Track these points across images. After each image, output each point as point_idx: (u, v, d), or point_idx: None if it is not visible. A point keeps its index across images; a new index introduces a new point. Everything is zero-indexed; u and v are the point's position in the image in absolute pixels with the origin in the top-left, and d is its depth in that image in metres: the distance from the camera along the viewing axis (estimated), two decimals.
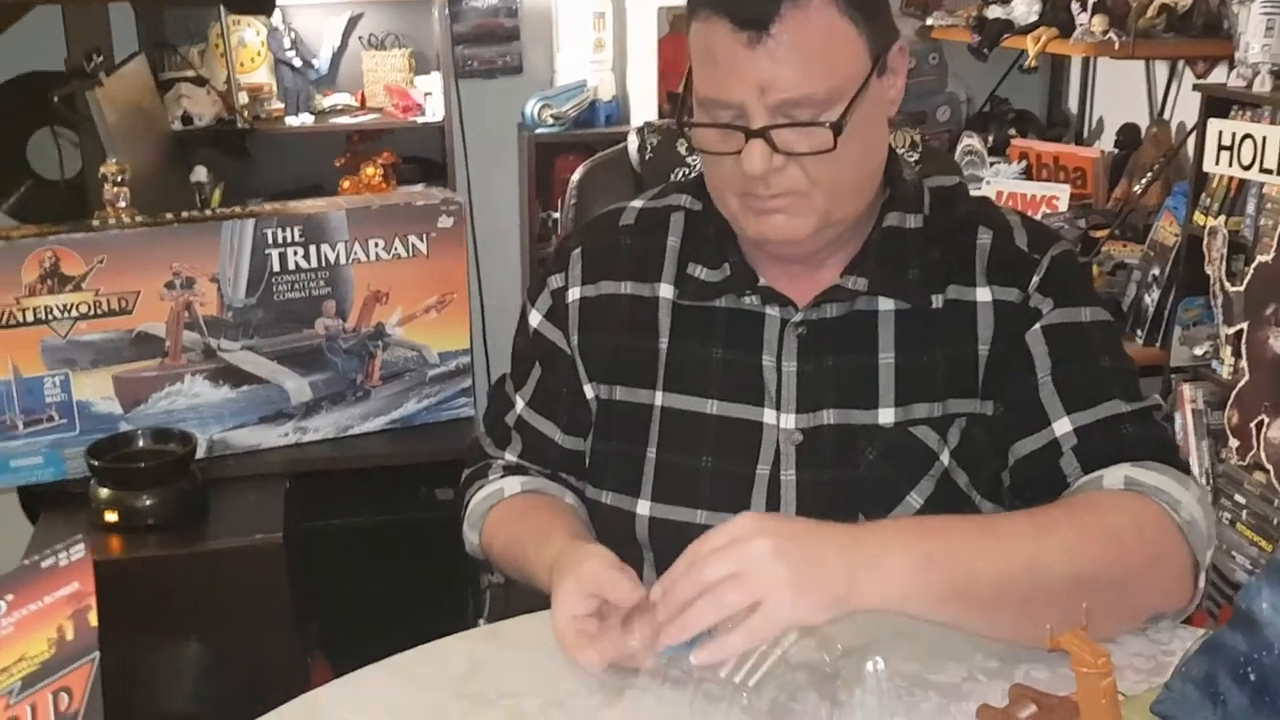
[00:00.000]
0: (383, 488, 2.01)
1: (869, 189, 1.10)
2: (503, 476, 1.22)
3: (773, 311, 1.12)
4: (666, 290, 1.16)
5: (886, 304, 1.11)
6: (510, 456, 1.24)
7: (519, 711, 0.95)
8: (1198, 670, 0.77)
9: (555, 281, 1.21)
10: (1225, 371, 2.28)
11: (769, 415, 1.11)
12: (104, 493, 1.65)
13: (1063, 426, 1.06)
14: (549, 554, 1.03)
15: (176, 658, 1.59)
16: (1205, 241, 2.30)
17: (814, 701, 0.90)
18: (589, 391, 1.18)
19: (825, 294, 1.11)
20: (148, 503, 1.64)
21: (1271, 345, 2.10)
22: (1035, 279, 1.10)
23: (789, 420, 1.11)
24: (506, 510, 1.19)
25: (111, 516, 1.64)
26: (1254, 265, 2.15)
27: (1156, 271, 2.53)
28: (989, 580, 0.91)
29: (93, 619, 0.61)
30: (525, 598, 1.57)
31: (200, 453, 1.76)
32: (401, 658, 1.03)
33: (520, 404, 1.23)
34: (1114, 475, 1.01)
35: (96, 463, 1.64)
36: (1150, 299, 2.54)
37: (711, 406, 1.13)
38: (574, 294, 1.19)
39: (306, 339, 1.82)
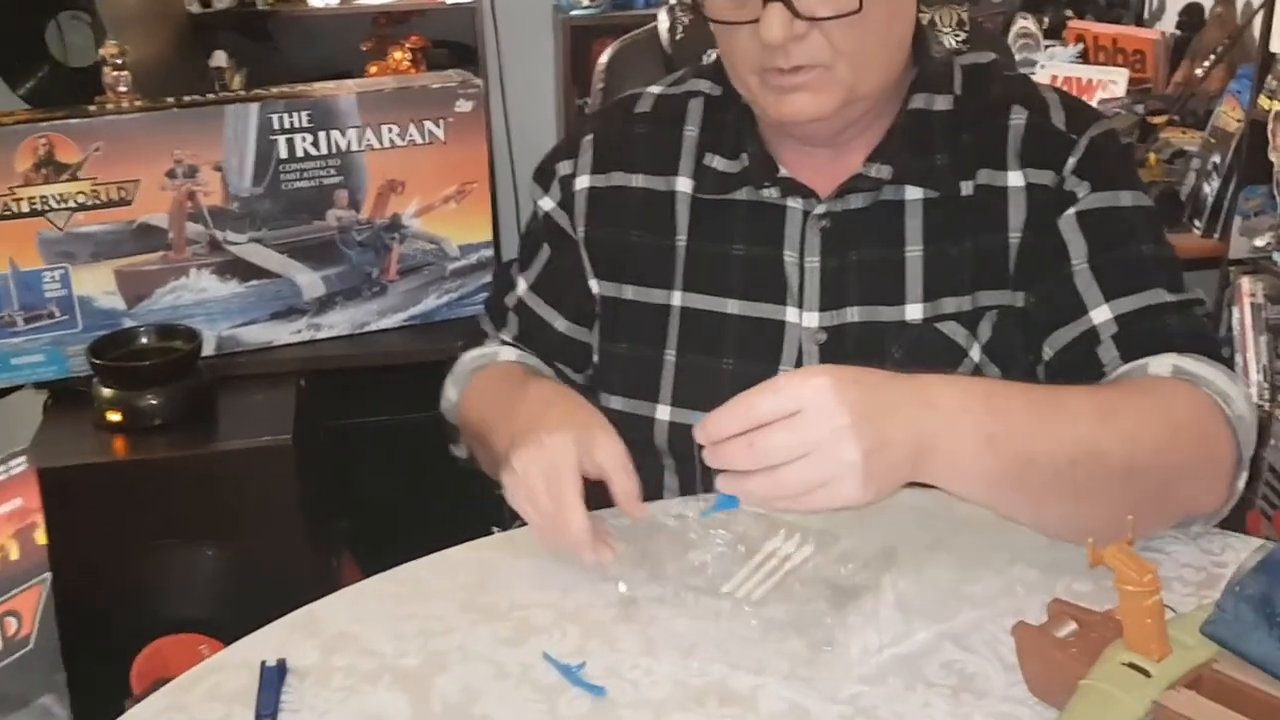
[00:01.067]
0: (403, 386, 1.96)
1: (896, 60, 1.03)
2: (500, 345, 1.20)
3: (794, 204, 1.06)
4: (684, 184, 1.10)
5: (914, 193, 1.05)
6: (506, 337, 1.21)
7: (529, 624, 0.90)
8: (1254, 589, 0.71)
9: (564, 168, 1.16)
10: None
11: (791, 314, 1.06)
12: (107, 392, 1.61)
13: (1101, 314, 1.00)
14: (527, 411, 1.02)
15: (187, 563, 1.57)
16: (1270, 127, 2.18)
17: (827, 616, 0.85)
18: (594, 287, 1.14)
19: (848, 184, 1.05)
20: (153, 402, 1.60)
21: None
22: (1071, 160, 1.03)
23: (812, 319, 1.06)
24: (497, 372, 1.16)
25: (115, 416, 1.60)
26: None
27: (1217, 159, 2.42)
28: (1048, 466, 0.85)
29: (40, 537, 0.56)
30: None
31: (208, 350, 1.72)
32: (408, 568, 0.99)
33: (522, 285, 1.20)
34: (1161, 363, 0.95)
35: (99, 361, 1.60)
36: (1210, 188, 2.42)
37: (732, 306, 1.07)
38: (582, 182, 1.14)
39: (318, 231, 1.76)
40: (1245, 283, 2.29)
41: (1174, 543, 0.98)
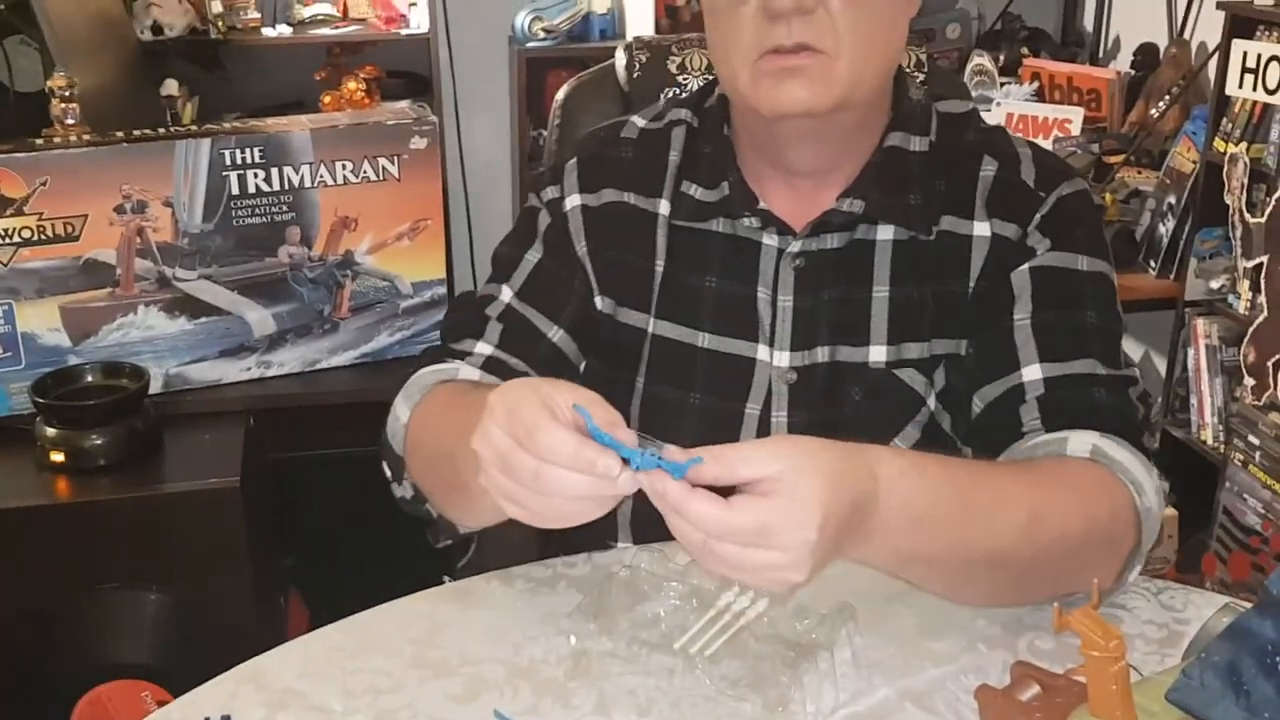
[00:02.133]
0: (354, 423, 1.94)
1: (889, 66, 1.04)
2: (460, 363, 1.07)
3: (769, 241, 1.07)
4: (664, 207, 1.10)
5: (885, 233, 1.06)
6: (484, 347, 1.08)
7: (480, 680, 0.89)
8: (1220, 656, 0.72)
9: (549, 193, 1.13)
10: (1242, 307, 2.22)
11: (762, 352, 1.07)
12: (50, 431, 1.59)
13: (1032, 373, 1.01)
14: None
15: (129, 607, 1.54)
16: (1225, 169, 2.22)
17: (783, 674, 0.84)
18: (599, 304, 1.11)
19: (822, 219, 1.05)
20: (97, 442, 1.58)
21: None
22: (1037, 217, 1.05)
23: (783, 358, 1.07)
24: (458, 390, 1.02)
25: (58, 457, 1.58)
26: (1276, 196, 2.07)
27: (1172, 200, 2.46)
28: (961, 557, 0.87)
29: None
30: (514, 538, 1.53)
31: (155, 388, 1.70)
32: (358, 619, 0.97)
33: (507, 293, 1.11)
34: (1081, 441, 0.96)
35: (42, 399, 1.58)
36: (1165, 229, 2.46)
37: (703, 340, 1.08)
38: (573, 201, 1.12)
39: (269, 268, 1.74)
40: (1200, 324, 2.33)
41: (1136, 598, 0.98)
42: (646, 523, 1.13)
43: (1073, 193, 1.06)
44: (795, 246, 1.06)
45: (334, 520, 2.05)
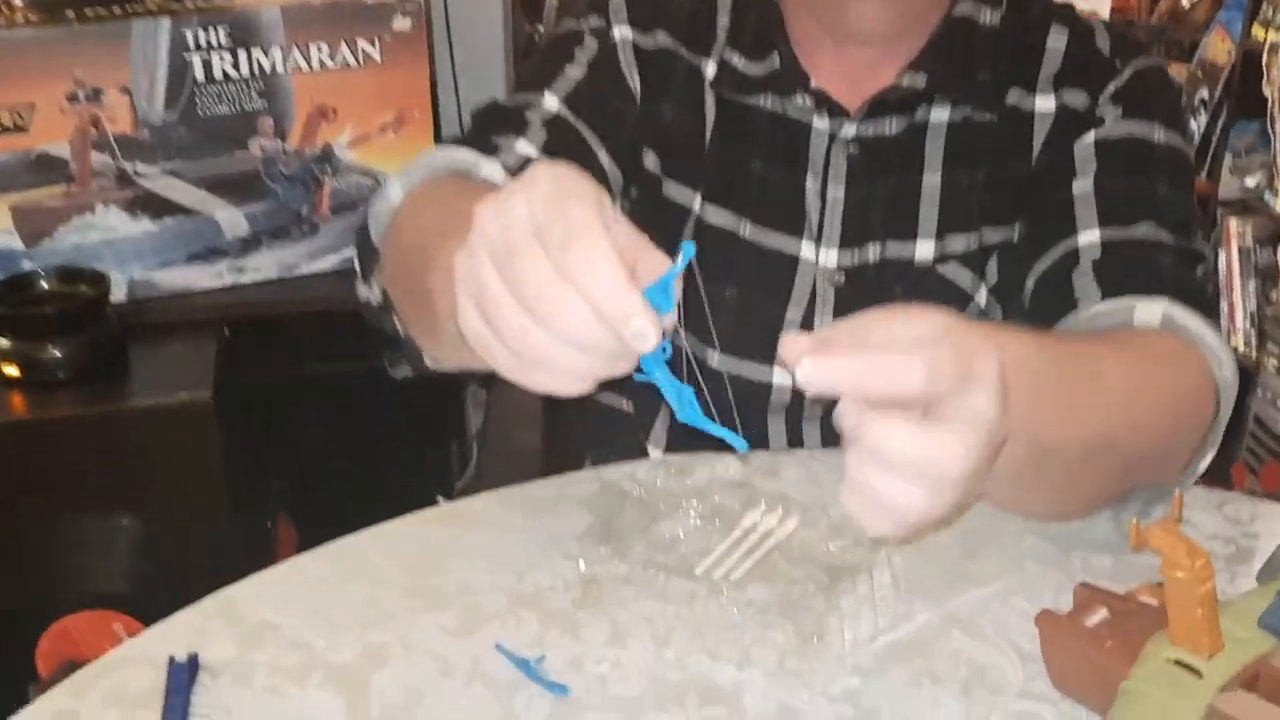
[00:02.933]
0: (338, 335, 1.85)
1: None
2: (486, 159, 0.89)
3: (820, 124, 0.98)
4: (710, 69, 1.00)
5: (941, 114, 0.98)
6: (525, 147, 0.92)
7: (479, 611, 0.82)
8: None
9: (592, 21, 1.01)
10: (1279, 205, 2.13)
11: (807, 249, 0.98)
12: (3, 342, 1.50)
13: (1088, 238, 0.92)
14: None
15: (97, 533, 1.46)
16: (1264, 58, 2.12)
17: (812, 598, 0.77)
18: (647, 161, 1.01)
19: (879, 97, 0.96)
20: (55, 354, 1.49)
21: None
22: (1111, 87, 0.97)
23: (830, 257, 0.99)
24: (474, 188, 0.85)
25: (12, 370, 1.49)
26: None
27: (1205, 94, 2.36)
28: (1064, 458, 0.75)
29: None
30: (516, 452, 1.43)
31: (118, 296, 1.60)
32: (341, 545, 0.89)
33: (552, 100, 0.96)
34: (1149, 309, 0.85)
35: None
36: (1197, 125, 2.37)
37: (745, 229, 0.99)
38: (623, 33, 1.01)
39: (240, 163, 1.64)
40: (1234, 224, 2.25)
41: (1196, 511, 0.91)
42: (682, 444, 1.05)
43: (1151, 66, 0.98)
44: (850, 131, 0.97)
45: (325, 441, 1.97)
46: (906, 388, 0.56)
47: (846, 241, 0.99)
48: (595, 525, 0.84)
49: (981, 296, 0.99)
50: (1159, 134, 0.96)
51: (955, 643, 0.78)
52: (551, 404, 1.33)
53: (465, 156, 0.89)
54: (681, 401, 0.59)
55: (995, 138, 0.98)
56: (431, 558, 0.87)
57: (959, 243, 0.99)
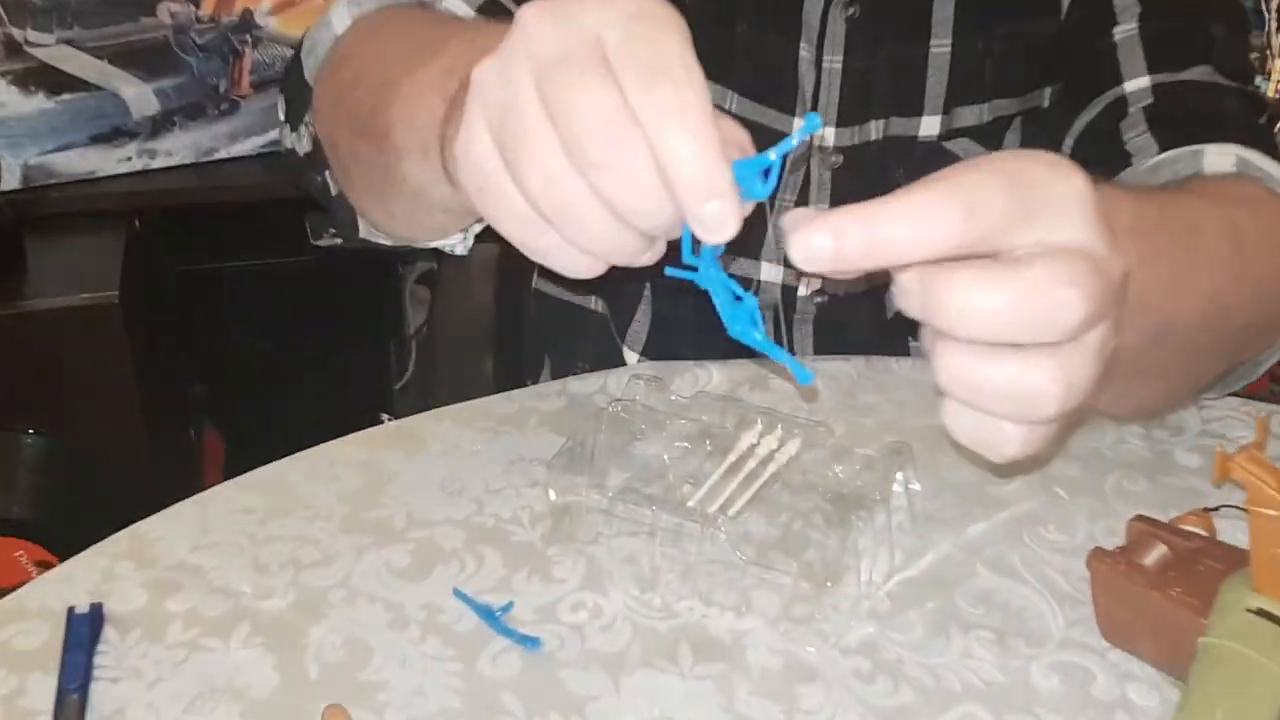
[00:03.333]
0: (263, 226, 1.72)
1: None
2: None
3: None
4: None
5: None
6: None
7: (434, 549, 0.71)
8: None
9: None
10: (1271, 89, 2.03)
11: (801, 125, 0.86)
12: None
13: (1137, 84, 0.82)
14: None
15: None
16: None
17: (821, 532, 0.68)
18: None
19: None
20: None
21: None
22: None
23: (827, 135, 0.88)
24: (440, 17, 0.76)
25: None
26: None
27: None
28: (1180, 334, 0.62)
29: None
30: (456, 354, 1.33)
31: (11, 184, 1.48)
32: (271, 471, 0.78)
33: None
34: (1221, 155, 0.74)
35: None
36: None
37: (730, 101, 0.88)
38: None
39: (146, 31, 1.50)
40: None
41: (1234, 425, 0.83)
42: (663, 349, 0.95)
43: None
44: None
45: (252, 343, 1.85)
46: (939, 232, 0.41)
47: (845, 118, 0.89)
48: (565, 447, 0.73)
49: None
50: None
51: (982, 581, 0.69)
52: (506, 297, 1.21)
53: None
54: (738, 315, 0.47)
55: None
56: (377, 486, 0.77)
57: (969, 115, 0.89)
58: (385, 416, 0.85)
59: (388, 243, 0.79)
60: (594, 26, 0.42)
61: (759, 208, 0.91)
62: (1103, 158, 0.81)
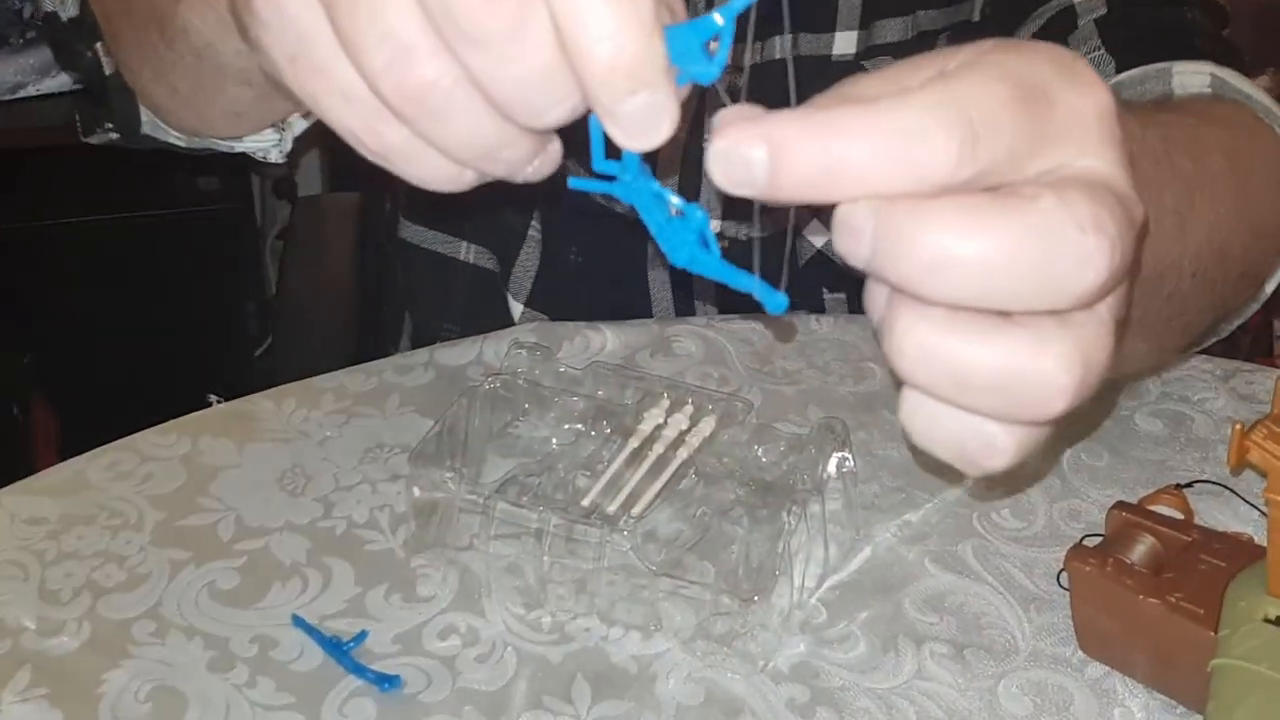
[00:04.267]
0: (88, 177, 1.54)
1: None
2: None
3: None
4: None
5: None
6: None
7: (268, 563, 0.59)
8: None
9: None
10: None
11: None
12: None
13: None
14: None
15: None
16: None
17: (744, 529, 0.57)
18: None
19: None
20: None
21: None
22: None
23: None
24: None
25: None
26: None
27: None
28: (1204, 247, 0.54)
29: None
30: (313, 319, 1.23)
31: None
32: (69, 469, 0.65)
33: None
34: (1194, 73, 0.65)
35: None
36: None
37: None
38: None
39: None
40: None
41: (1199, 387, 0.74)
42: (553, 298, 0.83)
43: None
44: None
45: (87, 306, 1.68)
46: (926, 163, 0.30)
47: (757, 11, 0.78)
48: (432, 433, 0.61)
49: None
50: None
51: (932, 581, 0.60)
52: (368, 251, 1.08)
53: None
54: (680, 235, 0.35)
55: None
56: (199, 485, 0.64)
57: (891, 30, 0.80)
58: (213, 398, 0.71)
59: (180, 141, 0.65)
60: None
61: None
62: None
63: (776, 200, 0.31)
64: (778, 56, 0.79)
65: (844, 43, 0.79)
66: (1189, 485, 0.65)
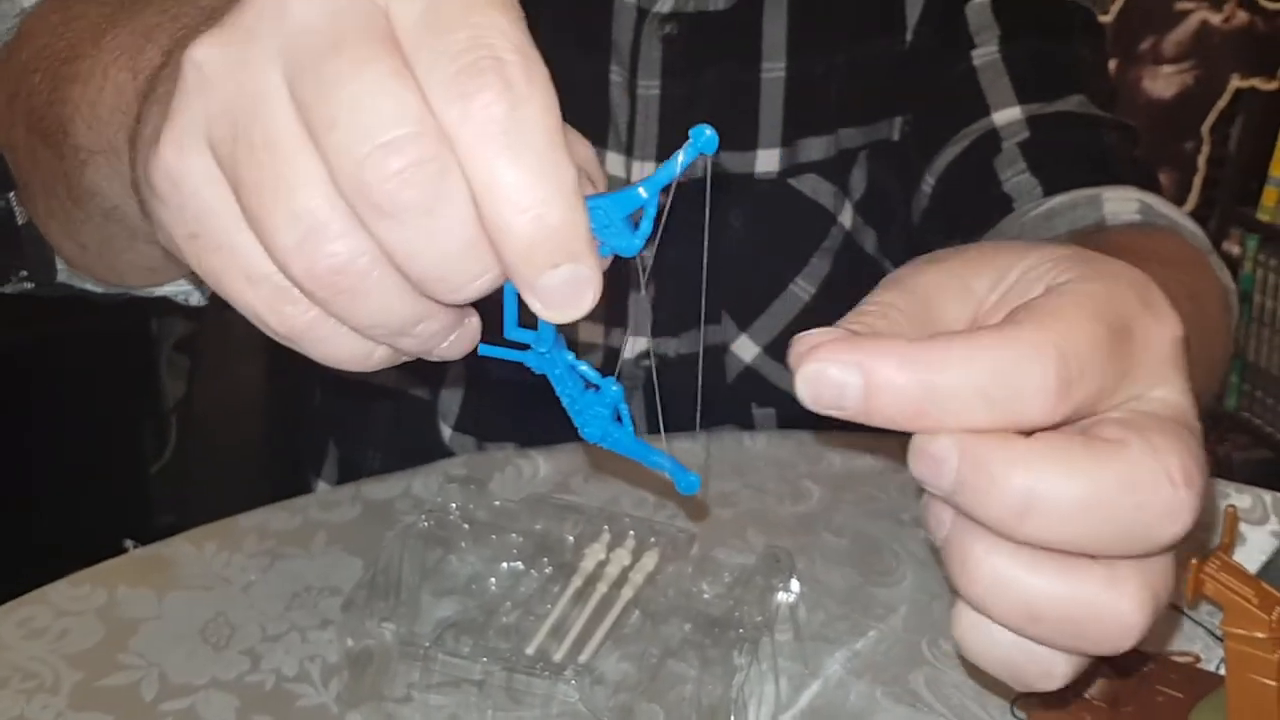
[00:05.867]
0: None
1: None
2: None
3: None
4: None
5: None
6: None
7: (205, 717, 0.56)
8: None
9: None
10: None
11: (615, 162, 0.79)
12: None
13: (1008, 115, 0.76)
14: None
15: None
16: None
17: (696, 670, 0.56)
18: None
19: None
20: None
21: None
22: None
23: (647, 172, 0.78)
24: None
25: None
26: None
27: None
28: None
29: None
30: (222, 437, 1.20)
31: None
32: (4, 614, 0.62)
33: None
34: (1123, 200, 0.68)
35: None
36: None
37: None
38: None
39: None
40: None
41: None
42: (483, 418, 0.82)
43: None
44: (666, 5, 0.76)
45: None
46: (1026, 403, 0.30)
47: (666, 153, 0.79)
48: (365, 577, 0.59)
49: (847, 216, 0.82)
50: None
51: (886, 716, 0.59)
52: (279, 374, 1.06)
53: None
54: (593, 410, 0.36)
55: (853, 9, 0.80)
56: (118, 641, 0.61)
57: (814, 148, 0.81)
58: (129, 543, 0.69)
59: (97, 288, 0.63)
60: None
61: None
62: (975, 199, 0.75)
63: (861, 420, 0.31)
64: (699, 175, 0.80)
65: (767, 160, 0.81)
66: None
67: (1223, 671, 0.53)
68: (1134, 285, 0.33)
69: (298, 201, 0.30)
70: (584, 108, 0.78)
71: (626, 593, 0.60)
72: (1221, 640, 0.49)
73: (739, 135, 0.81)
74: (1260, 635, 0.46)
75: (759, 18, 0.79)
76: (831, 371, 0.31)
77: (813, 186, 0.81)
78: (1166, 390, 0.33)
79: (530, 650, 0.56)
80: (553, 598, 0.60)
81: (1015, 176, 0.73)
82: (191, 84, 0.31)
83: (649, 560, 0.62)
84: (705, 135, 0.35)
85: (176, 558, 0.67)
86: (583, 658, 0.56)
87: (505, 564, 0.63)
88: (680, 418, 0.81)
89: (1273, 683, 0.47)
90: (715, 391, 0.85)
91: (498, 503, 0.66)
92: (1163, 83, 1.97)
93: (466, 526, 0.64)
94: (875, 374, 0.30)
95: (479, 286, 0.31)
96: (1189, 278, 0.60)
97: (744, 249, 0.81)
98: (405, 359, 0.35)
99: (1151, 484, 0.30)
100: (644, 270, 0.37)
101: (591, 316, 0.84)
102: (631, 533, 0.63)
